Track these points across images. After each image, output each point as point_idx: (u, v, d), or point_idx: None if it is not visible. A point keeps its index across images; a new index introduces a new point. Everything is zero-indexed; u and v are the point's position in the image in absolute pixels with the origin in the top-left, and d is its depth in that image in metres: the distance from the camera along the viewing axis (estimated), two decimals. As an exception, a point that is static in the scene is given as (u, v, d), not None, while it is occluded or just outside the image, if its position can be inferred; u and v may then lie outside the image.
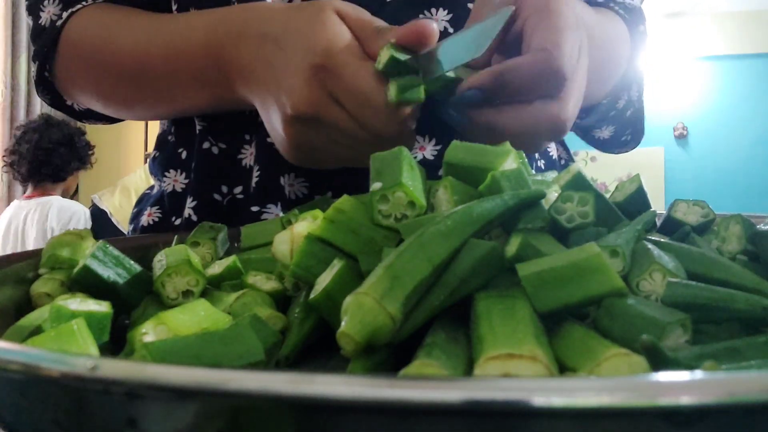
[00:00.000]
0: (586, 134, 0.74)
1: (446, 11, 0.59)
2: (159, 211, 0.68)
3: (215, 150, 0.63)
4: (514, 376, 0.21)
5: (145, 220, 0.69)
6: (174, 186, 0.66)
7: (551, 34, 0.45)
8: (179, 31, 0.57)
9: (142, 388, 0.18)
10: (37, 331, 0.31)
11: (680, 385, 0.16)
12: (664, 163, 4.86)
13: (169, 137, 0.69)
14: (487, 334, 0.24)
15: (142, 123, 4.00)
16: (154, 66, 0.58)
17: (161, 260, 0.37)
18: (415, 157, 0.60)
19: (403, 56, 0.44)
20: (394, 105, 0.44)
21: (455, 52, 0.45)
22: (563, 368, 0.23)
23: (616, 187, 0.43)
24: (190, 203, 0.63)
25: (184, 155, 0.66)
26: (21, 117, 3.82)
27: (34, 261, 0.40)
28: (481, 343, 0.23)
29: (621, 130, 0.72)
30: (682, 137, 4.91)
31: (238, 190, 0.62)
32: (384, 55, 0.44)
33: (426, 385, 0.17)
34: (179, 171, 0.67)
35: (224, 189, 0.63)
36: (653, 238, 0.35)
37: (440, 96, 0.47)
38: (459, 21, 0.59)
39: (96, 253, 0.37)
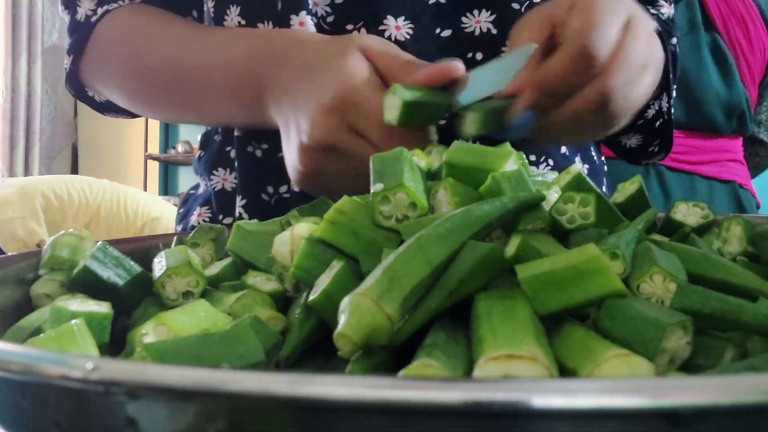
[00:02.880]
0: (612, 142, 0.73)
1: (489, 12, 0.60)
2: (209, 211, 0.70)
3: (258, 153, 0.65)
4: (514, 376, 0.21)
5: (194, 220, 0.70)
6: (223, 185, 0.68)
7: (585, 17, 0.45)
8: (218, 45, 0.59)
9: (142, 389, 0.18)
10: (38, 332, 0.31)
11: (680, 386, 0.16)
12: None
13: (216, 136, 0.70)
14: (487, 335, 0.24)
15: (142, 123, 4.01)
16: (187, 75, 0.60)
17: (161, 261, 0.37)
18: None
19: (413, 95, 0.45)
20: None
21: (478, 86, 0.46)
22: (563, 369, 0.23)
23: (617, 188, 0.43)
24: (240, 202, 0.65)
25: (232, 154, 0.68)
26: (21, 117, 3.82)
27: (35, 261, 0.40)
28: (481, 343, 0.23)
29: (649, 139, 0.72)
30: (682, 138, 4.91)
31: (283, 189, 0.64)
32: (392, 102, 0.45)
33: (426, 385, 0.17)
34: (228, 170, 0.68)
35: (270, 189, 0.64)
36: (654, 238, 0.35)
37: (489, 129, 0.48)
38: (501, 21, 0.60)
39: (96, 254, 0.37)
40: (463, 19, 0.60)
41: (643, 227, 0.34)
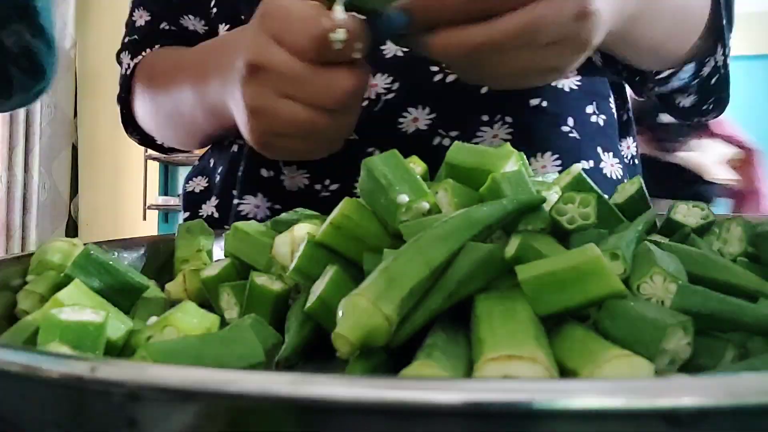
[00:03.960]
0: (668, 101, 0.69)
1: None
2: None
3: (235, 148, 0.68)
4: (514, 377, 0.21)
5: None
6: (194, 188, 0.73)
7: None
8: (188, 65, 0.62)
9: (142, 390, 0.18)
10: (36, 334, 0.30)
11: (681, 386, 0.16)
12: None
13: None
14: (487, 336, 0.24)
15: (143, 124, 4.01)
16: (175, 102, 0.64)
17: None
18: (405, 131, 0.60)
19: None
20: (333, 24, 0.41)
21: None
22: (564, 370, 0.23)
23: (617, 189, 0.43)
24: (213, 202, 0.69)
25: (211, 163, 0.73)
26: (21, 117, 3.82)
27: (23, 267, 0.40)
28: (481, 344, 0.23)
29: (704, 98, 0.67)
30: (682, 138, 4.92)
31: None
32: None
33: (426, 386, 0.17)
34: (203, 177, 0.73)
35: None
36: (654, 239, 0.35)
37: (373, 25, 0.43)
38: None
39: (79, 261, 0.36)
40: None
41: (643, 228, 0.34)
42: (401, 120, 0.60)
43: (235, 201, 0.65)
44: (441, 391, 0.16)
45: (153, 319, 0.33)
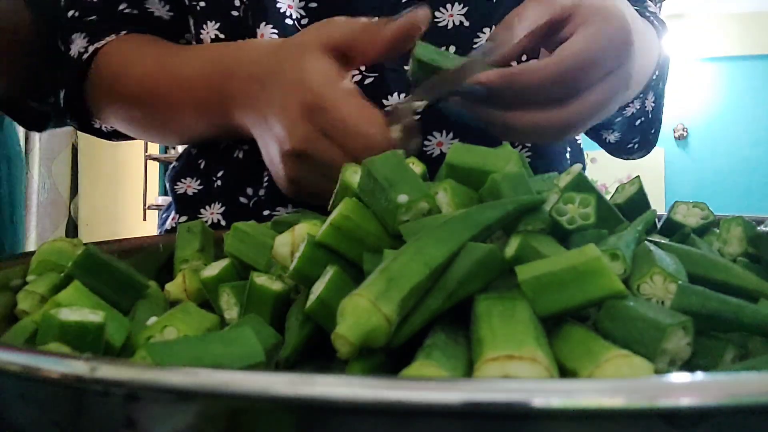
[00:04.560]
0: (595, 134, 0.74)
1: (461, 5, 0.60)
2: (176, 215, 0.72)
3: (240, 155, 0.66)
4: (514, 377, 0.21)
5: (168, 224, 0.74)
6: (186, 190, 0.70)
7: (584, 43, 0.45)
8: (181, 64, 0.60)
9: (141, 390, 0.18)
10: (35, 334, 0.30)
11: (681, 386, 0.16)
12: (664, 164, 4.86)
13: (192, 150, 0.73)
14: (487, 336, 0.24)
15: (143, 124, 4.01)
16: (161, 95, 0.61)
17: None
18: (431, 153, 0.62)
19: (426, 54, 0.46)
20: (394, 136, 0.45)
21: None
22: (563, 370, 0.23)
23: (617, 189, 0.43)
24: (218, 209, 0.67)
25: (201, 165, 0.70)
26: (21, 118, 3.82)
27: (23, 267, 0.40)
28: (480, 344, 0.23)
29: (627, 137, 0.72)
30: (682, 138, 4.92)
31: (261, 192, 0.65)
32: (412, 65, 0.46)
33: (425, 386, 0.17)
34: (193, 178, 0.70)
35: (250, 191, 0.65)
36: (654, 239, 0.35)
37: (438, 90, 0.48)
38: (473, 14, 0.60)
39: (79, 261, 0.36)
40: (437, 13, 0.60)
41: (643, 228, 0.34)
42: (426, 143, 0.62)
43: (266, 212, 0.64)
44: (441, 391, 0.16)
45: (153, 319, 0.33)
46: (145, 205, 4.04)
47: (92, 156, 4.27)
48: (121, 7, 0.67)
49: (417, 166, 0.39)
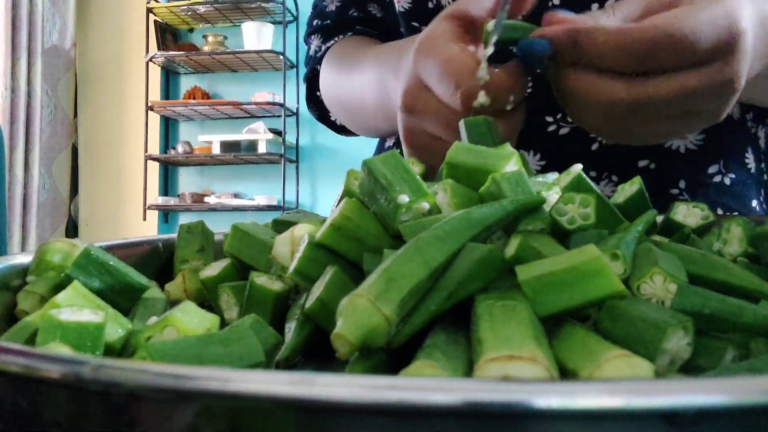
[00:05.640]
0: None
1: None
2: None
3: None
4: (513, 377, 0.21)
5: None
6: None
7: (675, 18, 0.38)
8: (368, 65, 0.65)
9: (142, 390, 0.18)
10: (35, 334, 0.30)
11: (681, 386, 0.16)
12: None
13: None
14: (487, 336, 0.24)
15: (142, 124, 4.01)
16: (355, 99, 0.68)
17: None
18: (552, 131, 0.62)
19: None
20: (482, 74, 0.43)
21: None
22: (564, 370, 0.23)
23: (617, 190, 0.43)
24: None
25: None
26: (21, 117, 3.82)
27: (23, 267, 0.40)
28: (480, 344, 0.23)
29: None
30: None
31: None
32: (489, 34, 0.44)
33: (426, 386, 0.17)
34: None
35: None
36: (654, 239, 0.35)
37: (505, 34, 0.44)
38: None
39: (79, 261, 0.36)
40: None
41: (643, 228, 0.34)
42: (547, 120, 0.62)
43: None
44: (441, 391, 0.16)
45: (153, 319, 0.33)
46: (145, 205, 4.04)
47: (92, 156, 4.27)
48: (351, 11, 0.78)
49: (417, 166, 0.39)
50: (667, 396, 0.16)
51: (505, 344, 0.23)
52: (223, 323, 0.36)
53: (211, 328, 0.31)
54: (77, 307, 0.30)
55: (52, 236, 3.73)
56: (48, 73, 4.00)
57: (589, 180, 0.38)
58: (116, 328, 0.31)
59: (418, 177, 0.34)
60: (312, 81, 0.81)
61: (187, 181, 4.28)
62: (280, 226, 0.42)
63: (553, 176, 0.41)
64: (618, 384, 0.17)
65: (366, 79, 0.63)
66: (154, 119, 4.14)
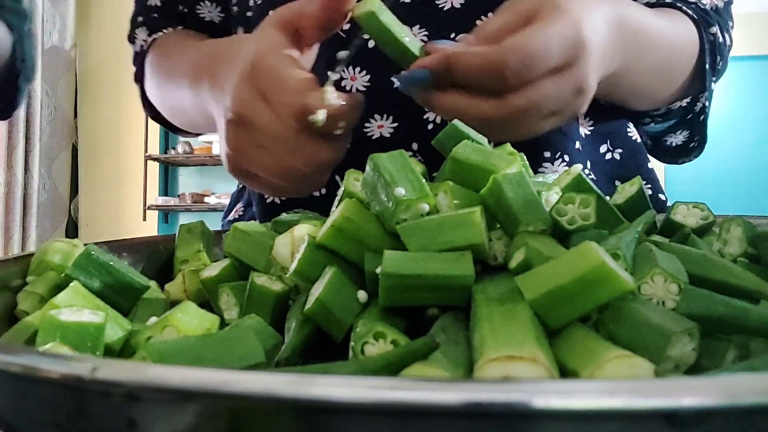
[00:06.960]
0: (657, 142, 0.72)
1: None
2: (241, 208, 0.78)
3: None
4: (514, 378, 0.21)
5: (232, 215, 0.79)
6: (274, 199, 0.74)
7: (527, 36, 0.43)
8: (186, 62, 0.64)
9: (142, 390, 0.18)
10: (35, 335, 0.30)
11: (681, 387, 0.16)
12: (664, 164, 4.85)
13: None
14: (488, 336, 0.24)
15: (142, 124, 4.01)
16: (175, 93, 0.66)
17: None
18: (372, 135, 0.63)
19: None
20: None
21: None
22: (564, 370, 0.23)
23: (617, 190, 0.43)
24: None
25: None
26: (21, 117, 3.81)
27: (23, 267, 0.40)
28: (481, 345, 0.23)
29: (692, 135, 0.71)
30: (682, 139, 4.90)
31: None
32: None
33: (426, 386, 0.17)
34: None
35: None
36: (654, 239, 0.35)
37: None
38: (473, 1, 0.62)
39: (78, 262, 0.36)
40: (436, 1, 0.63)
41: (643, 228, 0.34)
42: (367, 126, 0.63)
43: None
44: (441, 391, 0.16)
45: (153, 319, 0.33)
46: (145, 205, 4.04)
47: (92, 156, 4.27)
48: (180, 8, 0.76)
49: (417, 166, 0.39)
50: (667, 396, 0.16)
51: (506, 344, 0.23)
52: (223, 323, 0.36)
53: (211, 328, 0.31)
54: (77, 308, 0.30)
55: (52, 236, 3.73)
56: (48, 74, 3.99)
57: (589, 180, 0.38)
58: (116, 328, 0.31)
59: (421, 178, 0.34)
60: (143, 80, 0.78)
61: (187, 181, 4.28)
62: (280, 226, 0.42)
63: (553, 176, 0.41)
64: (618, 384, 0.17)
65: (184, 83, 0.62)
66: (154, 119, 4.14)
